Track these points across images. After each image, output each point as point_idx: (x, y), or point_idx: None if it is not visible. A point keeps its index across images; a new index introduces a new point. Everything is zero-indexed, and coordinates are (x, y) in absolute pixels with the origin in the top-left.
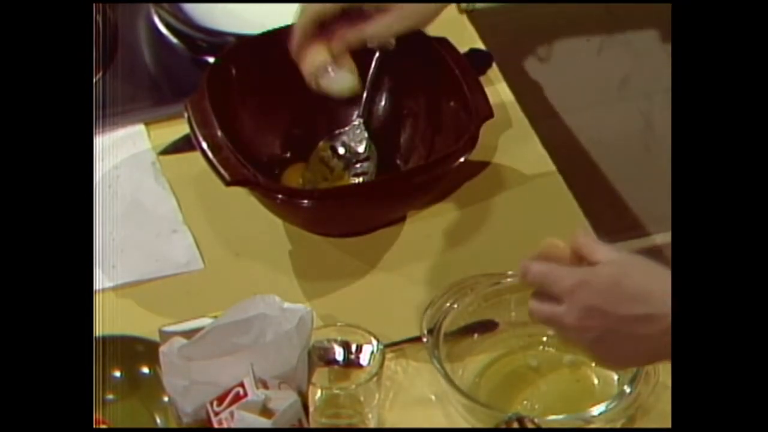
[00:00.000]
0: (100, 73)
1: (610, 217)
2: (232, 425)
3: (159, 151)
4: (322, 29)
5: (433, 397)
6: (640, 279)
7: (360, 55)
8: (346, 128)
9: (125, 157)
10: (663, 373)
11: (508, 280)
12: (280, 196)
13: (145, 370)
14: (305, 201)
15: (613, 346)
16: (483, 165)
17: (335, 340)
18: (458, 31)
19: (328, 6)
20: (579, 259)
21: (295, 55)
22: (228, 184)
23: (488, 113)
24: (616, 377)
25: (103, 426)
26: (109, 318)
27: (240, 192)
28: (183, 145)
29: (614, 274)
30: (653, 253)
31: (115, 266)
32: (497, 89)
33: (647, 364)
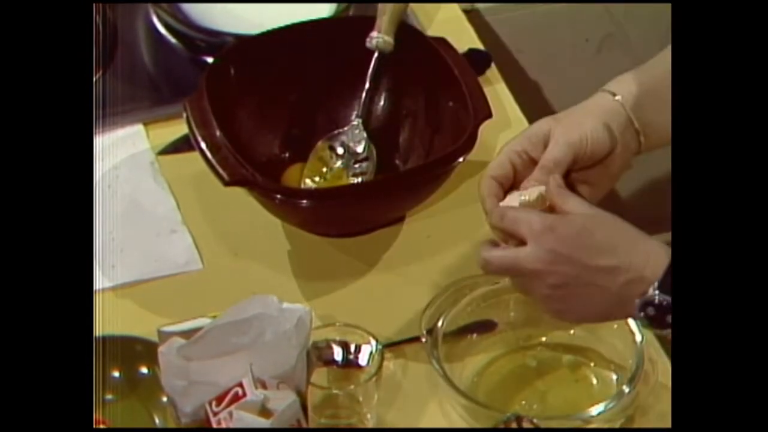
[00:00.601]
0: (99, 73)
1: None
2: (231, 425)
3: (158, 151)
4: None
5: (431, 398)
6: (609, 231)
7: (359, 55)
8: (345, 128)
9: (124, 157)
10: (662, 373)
11: (507, 280)
12: (278, 196)
13: (144, 370)
14: (304, 201)
15: (572, 297)
16: (482, 165)
17: (334, 340)
18: (457, 31)
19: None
20: (550, 207)
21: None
22: (227, 184)
23: (487, 113)
24: (615, 377)
25: (102, 426)
26: (108, 318)
27: (239, 192)
28: (182, 145)
29: (584, 223)
30: None
31: (114, 266)
32: (496, 89)
33: (602, 321)
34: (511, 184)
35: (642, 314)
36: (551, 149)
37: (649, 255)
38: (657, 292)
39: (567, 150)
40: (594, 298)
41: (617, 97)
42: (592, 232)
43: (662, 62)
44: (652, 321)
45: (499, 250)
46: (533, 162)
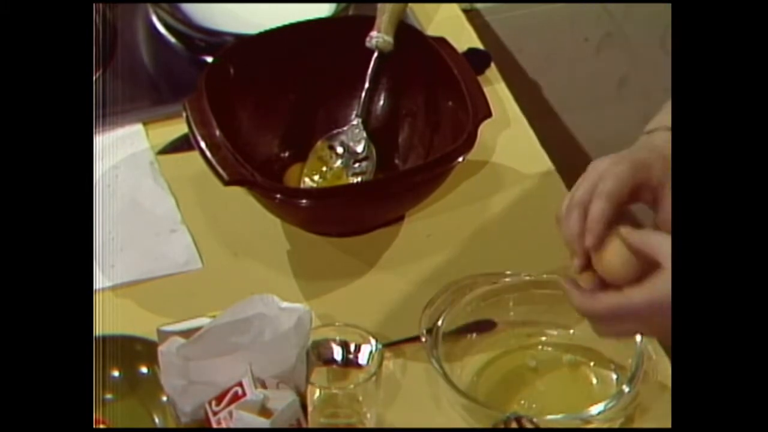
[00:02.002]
0: (99, 73)
1: None
2: (231, 425)
3: (157, 150)
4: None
5: (431, 397)
6: None
7: (359, 55)
8: (345, 128)
9: (124, 157)
10: (662, 373)
11: (507, 279)
12: (278, 195)
13: (144, 369)
14: (304, 200)
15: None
16: (481, 164)
17: (334, 340)
18: (457, 30)
19: (622, 192)
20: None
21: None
22: (226, 183)
23: (487, 113)
24: (614, 377)
25: (102, 426)
26: (108, 318)
27: (238, 191)
28: (181, 145)
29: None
30: None
31: (113, 266)
32: (496, 89)
33: None
34: None
35: None
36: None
37: None
38: None
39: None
40: None
41: None
42: None
43: None
44: None
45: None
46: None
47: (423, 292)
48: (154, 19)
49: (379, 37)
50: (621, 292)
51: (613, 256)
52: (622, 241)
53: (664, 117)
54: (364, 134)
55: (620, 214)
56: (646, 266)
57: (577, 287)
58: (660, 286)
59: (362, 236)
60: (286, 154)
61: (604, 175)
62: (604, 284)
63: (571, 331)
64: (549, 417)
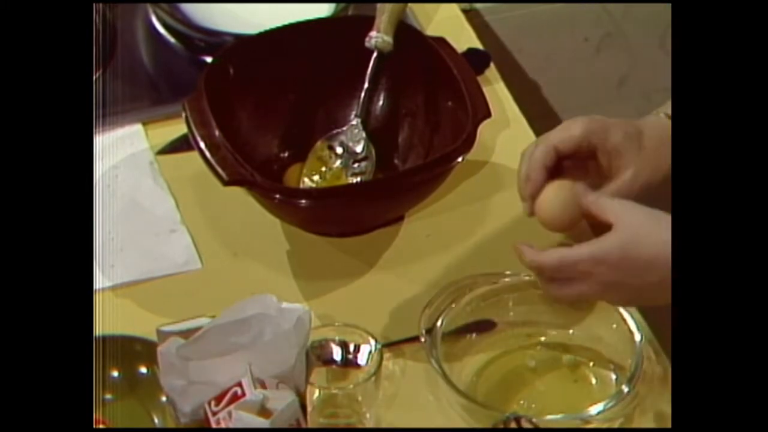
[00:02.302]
0: (98, 73)
1: None
2: (230, 425)
3: (157, 150)
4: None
5: (431, 397)
6: (647, 248)
7: (358, 55)
8: (344, 128)
9: (123, 157)
10: (661, 373)
11: (506, 279)
12: (278, 195)
13: (143, 369)
14: (303, 201)
15: (637, 300)
16: (481, 164)
17: (333, 340)
18: (456, 30)
19: (567, 142)
20: (591, 216)
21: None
22: (226, 183)
23: (486, 113)
24: (614, 377)
25: (102, 426)
26: (108, 318)
27: (238, 192)
28: (181, 145)
29: (623, 246)
30: None
31: (113, 266)
32: (495, 89)
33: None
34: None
35: None
36: (626, 183)
37: None
38: None
39: (637, 190)
40: (647, 295)
41: None
42: (633, 252)
43: None
44: None
45: (563, 288)
46: (590, 154)
47: (423, 292)
48: (154, 19)
49: (378, 37)
50: (568, 248)
51: (547, 203)
52: (559, 190)
53: (669, 105)
54: (364, 134)
55: (569, 167)
56: (599, 230)
57: (527, 245)
58: (606, 243)
59: (362, 236)
60: (286, 154)
61: (559, 127)
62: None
63: (571, 331)
64: (548, 417)
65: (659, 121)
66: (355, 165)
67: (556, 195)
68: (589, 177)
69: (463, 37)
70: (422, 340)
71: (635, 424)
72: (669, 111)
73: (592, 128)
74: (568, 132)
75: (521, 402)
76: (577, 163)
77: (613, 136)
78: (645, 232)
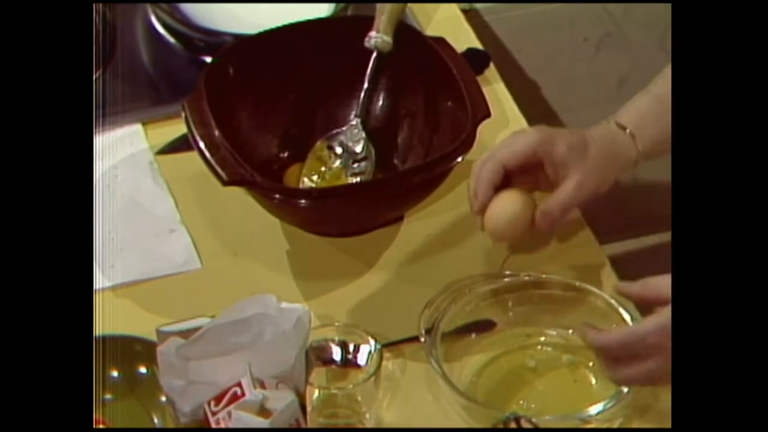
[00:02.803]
0: (98, 73)
1: (608, 217)
2: (230, 425)
3: (157, 150)
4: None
5: (430, 397)
6: None
7: (358, 55)
8: (344, 128)
9: (123, 157)
10: None
11: (506, 279)
12: (277, 195)
13: (143, 369)
14: (303, 201)
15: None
16: None
17: (333, 340)
18: (456, 30)
19: (513, 158)
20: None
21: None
22: (225, 183)
23: (486, 113)
24: None
25: (102, 426)
26: (107, 318)
27: (238, 192)
28: (180, 145)
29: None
30: (652, 252)
31: (113, 266)
32: (495, 89)
33: None
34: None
35: None
36: (571, 192)
37: None
38: None
39: (583, 198)
40: None
41: (628, 131)
42: None
43: (663, 86)
44: None
45: (631, 368)
46: (538, 166)
47: (422, 292)
48: (153, 20)
49: (378, 38)
50: (633, 325)
51: (493, 217)
52: (507, 203)
53: (622, 113)
54: (363, 134)
55: (519, 179)
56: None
57: (591, 327)
58: (669, 314)
59: (361, 236)
60: (286, 154)
61: (506, 140)
62: None
63: (571, 331)
64: (548, 417)
65: (607, 130)
66: (355, 165)
67: (503, 209)
68: (539, 187)
69: (463, 37)
70: (422, 340)
71: (635, 424)
72: (621, 119)
73: (537, 141)
74: (514, 147)
75: (521, 402)
76: (526, 176)
77: (558, 148)
78: None
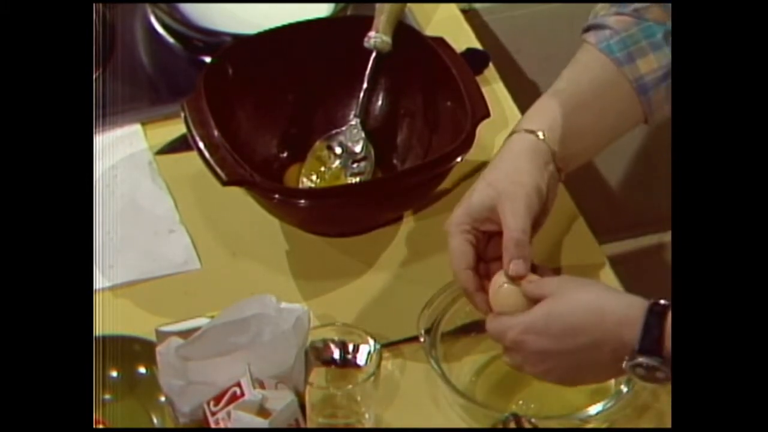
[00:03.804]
0: (97, 73)
1: (608, 217)
2: (229, 425)
3: (156, 150)
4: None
5: (430, 397)
6: (569, 308)
7: (357, 55)
8: (343, 128)
9: (122, 157)
10: None
11: None
12: (276, 195)
13: (142, 370)
14: (302, 201)
15: (577, 375)
16: (480, 164)
17: (332, 340)
18: (455, 30)
19: (477, 211)
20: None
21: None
22: (225, 183)
23: (485, 113)
24: None
25: (101, 426)
26: (107, 318)
27: (237, 192)
28: (180, 145)
29: (546, 312)
30: (652, 252)
31: (112, 266)
32: (494, 89)
33: (599, 382)
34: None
35: (633, 375)
36: (512, 223)
37: (622, 320)
38: (642, 358)
39: (526, 218)
40: (590, 369)
41: (539, 134)
42: (556, 318)
43: (566, 88)
44: (644, 378)
45: (507, 358)
46: (483, 233)
47: (422, 292)
48: (153, 20)
49: (377, 38)
50: (502, 318)
51: (501, 303)
52: (506, 296)
53: (528, 120)
54: (363, 134)
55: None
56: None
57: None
58: (533, 311)
59: (361, 236)
60: (285, 155)
61: (450, 250)
62: None
63: None
64: (548, 417)
65: (518, 139)
66: (354, 165)
67: (505, 302)
68: None
69: (462, 37)
70: (421, 340)
71: (635, 424)
72: (528, 126)
73: (475, 218)
74: (460, 251)
75: (520, 402)
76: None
77: (493, 211)
78: (567, 296)
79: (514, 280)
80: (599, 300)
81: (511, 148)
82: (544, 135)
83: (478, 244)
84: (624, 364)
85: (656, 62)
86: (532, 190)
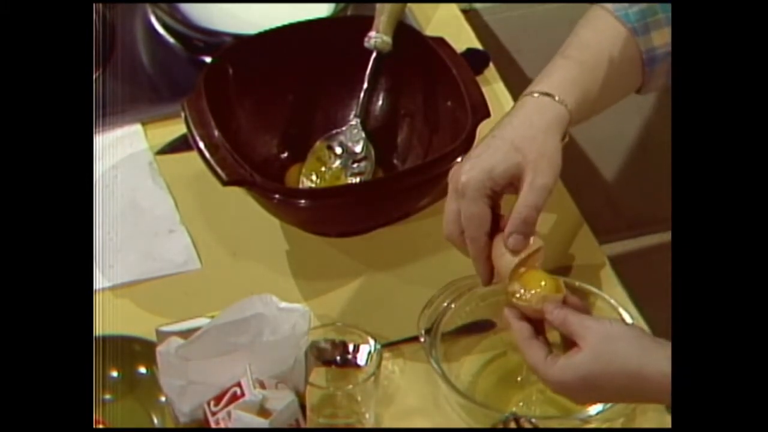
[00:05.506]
0: (98, 73)
1: (608, 217)
2: (230, 425)
3: (156, 151)
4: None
5: (430, 397)
6: (608, 379)
7: (357, 55)
8: (344, 128)
9: (122, 157)
10: None
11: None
12: (277, 195)
13: (143, 370)
14: (302, 201)
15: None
16: None
17: (332, 340)
18: (455, 30)
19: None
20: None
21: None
22: (225, 183)
23: (485, 113)
24: None
25: (101, 426)
26: (107, 318)
27: (237, 192)
28: (180, 145)
29: (582, 378)
30: (652, 253)
31: (112, 266)
32: (494, 89)
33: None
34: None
35: None
36: (530, 198)
37: (659, 387)
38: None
39: (545, 195)
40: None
41: (563, 102)
42: (593, 384)
43: (579, 53)
44: None
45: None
46: (498, 194)
47: (422, 292)
48: (153, 20)
49: (377, 38)
50: (544, 360)
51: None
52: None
53: (541, 82)
54: (363, 134)
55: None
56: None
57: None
58: (570, 371)
59: (361, 236)
60: (285, 155)
61: (467, 215)
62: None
63: None
64: (548, 417)
65: (531, 101)
66: (354, 165)
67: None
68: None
69: (462, 37)
70: (421, 340)
71: (635, 424)
72: (542, 88)
73: (481, 185)
74: (480, 216)
75: (520, 403)
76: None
77: (501, 169)
78: (605, 359)
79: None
80: (642, 366)
81: (529, 111)
82: (560, 99)
83: (494, 208)
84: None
85: (669, 36)
86: (556, 164)
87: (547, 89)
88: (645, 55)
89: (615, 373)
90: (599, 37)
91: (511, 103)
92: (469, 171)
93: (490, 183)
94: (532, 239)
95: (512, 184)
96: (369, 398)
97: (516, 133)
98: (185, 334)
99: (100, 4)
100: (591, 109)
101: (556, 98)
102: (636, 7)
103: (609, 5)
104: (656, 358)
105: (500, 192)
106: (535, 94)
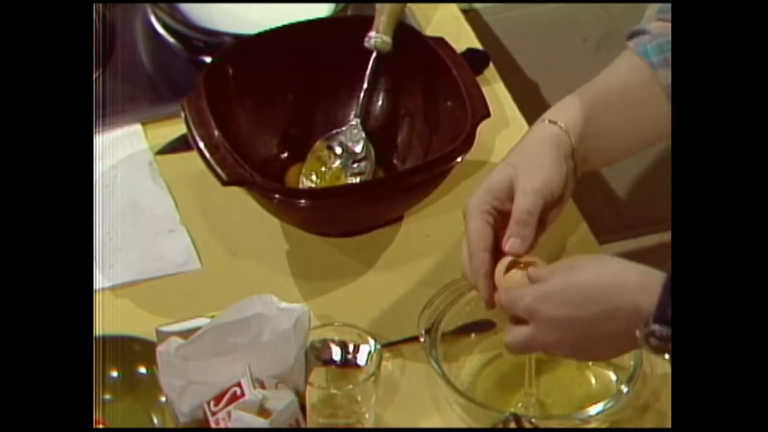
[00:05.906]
0: (98, 73)
1: (608, 217)
2: (230, 425)
3: (156, 151)
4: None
5: (430, 397)
6: (589, 277)
7: (357, 55)
8: (344, 128)
9: (122, 157)
10: (661, 372)
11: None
12: (277, 195)
13: (143, 370)
14: (302, 201)
15: (590, 347)
16: (480, 165)
17: (332, 340)
18: (455, 30)
19: (499, 189)
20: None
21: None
22: (225, 183)
23: (485, 113)
24: (613, 377)
25: (101, 426)
26: (107, 318)
27: (237, 192)
28: (180, 145)
29: (563, 279)
30: (652, 252)
31: (112, 266)
32: (494, 89)
33: (616, 356)
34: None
35: (646, 345)
36: (521, 201)
37: (641, 286)
38: (656, 326)
39: (536, 198)
40: (603, 341)
41: (561, 125)
42: (574, 283)
43: (594, 86)
44: (656, 350)
45: (513, 334)
46: (502, 214)
47: (422, 292)
48: (153, 20)
49: (377, 38)
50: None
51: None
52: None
53: (551, 113)
54: (363, 134)
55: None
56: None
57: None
58: (550, 279)
59: (361, 236)
60: (285, 155)
61: (468, 231)
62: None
63: None
64: (548, 417)
65: (540, 128)
66: (354, 165)
67: (511, 283)
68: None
69: (462, 37)
70: (421, 340)
71: (635, 424)
72: (552, 117)
73: (486, 209)
74: (479, 232)
75: (519, 404)
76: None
77: (494, 181)
78: (587, 268)
79: (514, 263)
80: (619, 270)
81: (533, 136)
82: (565, 127)
83: (496, 226)
84: (637, 333)
85: None
86: (549, 175)
87: (555, 118)
88: (667, 89)
89: (590, 278)
90: (618, 72)
91: (511, 103)
92: (472, 194)
93: (488, 198)
94: (533, 258)
95: (510, 198)
96: (369, 398)
97: (515, 155)
98: (185, 334)
99: (100, 4)
100: (612, 144)
101: (559, 124)
102: (654, 42)
103: (631, 43)
104: (631, 264)
105: (502, 210)
106: (545, 122)
